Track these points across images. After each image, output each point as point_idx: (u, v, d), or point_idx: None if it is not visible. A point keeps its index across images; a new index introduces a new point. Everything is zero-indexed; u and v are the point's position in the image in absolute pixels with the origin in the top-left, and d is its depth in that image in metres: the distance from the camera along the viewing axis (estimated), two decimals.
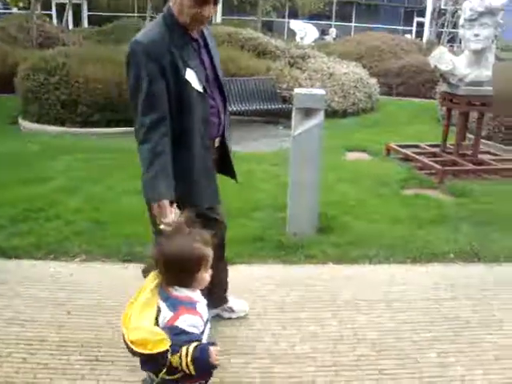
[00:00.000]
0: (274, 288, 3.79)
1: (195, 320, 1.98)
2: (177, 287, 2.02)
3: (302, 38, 21.24)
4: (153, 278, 2.05)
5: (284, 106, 10.37)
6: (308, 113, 4.49)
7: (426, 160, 7.32)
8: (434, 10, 23.64)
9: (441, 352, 3.11)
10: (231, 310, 3.35)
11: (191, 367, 1.87)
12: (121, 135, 8.51)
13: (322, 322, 3.38)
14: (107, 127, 8.81)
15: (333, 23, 31.67)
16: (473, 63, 7.10)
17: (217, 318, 3.25)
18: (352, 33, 28.36)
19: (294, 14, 29.20)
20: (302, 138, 4.52)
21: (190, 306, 2.00)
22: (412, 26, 32.70)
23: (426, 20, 26.25)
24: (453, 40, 21.19)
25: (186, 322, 1.94)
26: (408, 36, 25.31)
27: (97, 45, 11.90)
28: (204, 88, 2.63)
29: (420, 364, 3.00)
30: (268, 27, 26.07)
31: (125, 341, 1.95)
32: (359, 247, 4.51)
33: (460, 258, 4.45)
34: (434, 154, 7.75)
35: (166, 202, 2.43)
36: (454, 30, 19.63)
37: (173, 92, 2.52)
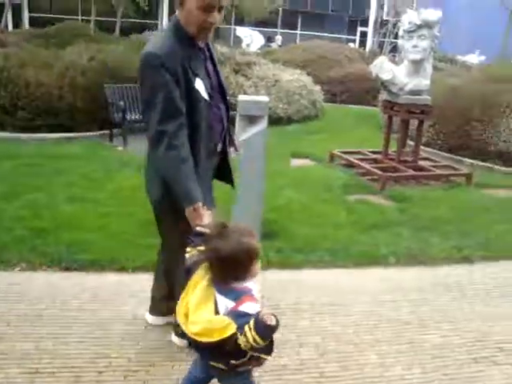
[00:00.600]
0: None
1: (255, 306, 2.02)
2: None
3: (248, 45, 21.42)
4: (204, 273, 2.08)
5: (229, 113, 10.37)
6: (252, 120, 4.53)
7: (368, 166, 7.50)
8: (376, 20, 24.27)
9: (381, 353, 3.21)
10: None
11: (258, 338, 1.90)
12: (63, 141, 8.36)
13: None
14: (49, 133, 8.59)
15: (279, 30, 31.99)
16: (412, 73, 7.35)
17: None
18: (297, 40, 28.74)
19: (240, 21, 29.31)
20: (245, 144, 4.56)
21: (249, 293, 2.06)
22: (356, 35, 33.41)
23: (369, 30, 26.90)
24: (395, 50, 21.74)
25: (247, 307, 1.99)
26: (351, 45, 25.88)
27: (38, 47, 11.53)
28: (210, 95, 2.73)
29: (361, 365, 3.08)
30: (214, 33, 26.03)
31: (188, 337, 2.00)
32: (302, 252, 4.58)
33: (400, 261, 4.60)
34: (376, 161, 7.96)
35: (201, 205, 2.51)
36: (395, 40, 20.14)
37: (184, 101, 2.60)
